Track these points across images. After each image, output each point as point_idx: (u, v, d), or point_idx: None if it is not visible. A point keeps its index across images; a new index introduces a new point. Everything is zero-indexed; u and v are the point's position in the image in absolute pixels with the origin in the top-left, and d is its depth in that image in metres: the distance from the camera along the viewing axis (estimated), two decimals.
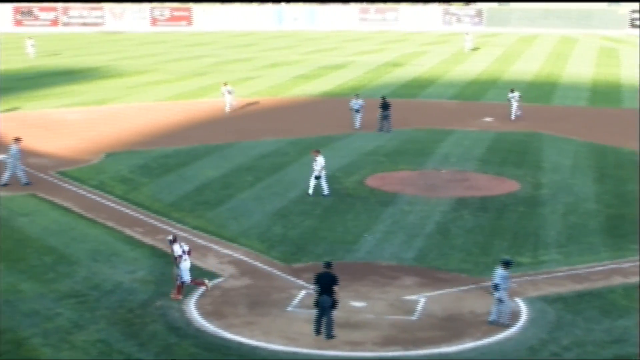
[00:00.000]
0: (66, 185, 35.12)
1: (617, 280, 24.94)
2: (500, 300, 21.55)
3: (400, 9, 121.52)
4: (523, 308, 22.63)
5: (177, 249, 23.26)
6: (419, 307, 22.85)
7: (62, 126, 48.11)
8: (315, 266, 24.71)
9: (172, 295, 23.19)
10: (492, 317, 21.74)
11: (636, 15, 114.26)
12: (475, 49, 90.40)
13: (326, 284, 20.79)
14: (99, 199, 33.29)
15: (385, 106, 47.32)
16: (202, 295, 23.52)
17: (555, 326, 21.67)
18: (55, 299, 22.95)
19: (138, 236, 28.62)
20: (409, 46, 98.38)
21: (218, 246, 27.74)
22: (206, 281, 23.82)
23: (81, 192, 34.26)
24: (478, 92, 62.01)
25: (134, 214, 31.31)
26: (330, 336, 20.77)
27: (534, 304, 22.89)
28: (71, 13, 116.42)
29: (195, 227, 29.61)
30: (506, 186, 35.70)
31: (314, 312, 21.12)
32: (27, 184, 34.84)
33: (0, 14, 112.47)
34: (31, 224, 29.73)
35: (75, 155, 40.80)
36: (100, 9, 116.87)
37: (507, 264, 21.87)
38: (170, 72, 72.64)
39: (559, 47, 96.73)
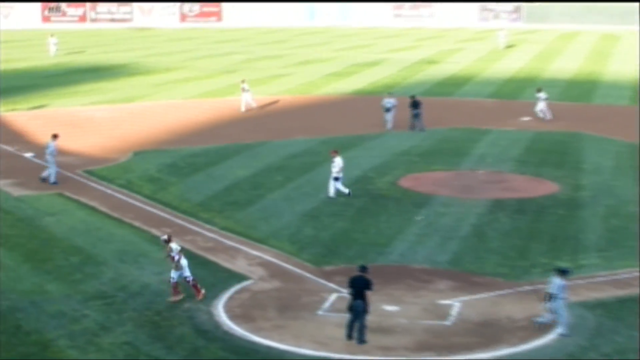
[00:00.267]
0: (93, 185, 35.41)
1: None
2: (554, 311, 21.25)
3: (436, 4, 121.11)
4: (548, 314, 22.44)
5: (174, 247, 23.25)
6: (454, 311, 22.77)
7: (90, 124, 48.50)
8: (347, 269, 24.72)
9: (172, 299, 23.07)
10: (541, 319, 21.48)
11: None
12: (510, 46, 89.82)
13: (360, 288, 20.78)
14: (126, 198, 33.53)
15: (415, 105, 47.22)
16: (231, 297, 23.60)
17: (596, 333, 21.49)
18: (81, 300, 23.15)
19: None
20: (444, 43, 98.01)
21: (247, 247, 27.81)
22: (202, 291, 23.45)
23: (108, 191, 34.52)
24: (516, 91, 61.64)
25: (162, 214, 31.49)
26: (362, 341, 20.76)
27: (573, 310, 22.69)
28: (99, 9, 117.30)
29: (224, 228, 29.72)
30: (545, 188, 35.46)
31: (345, 316, 21.12)
32: (55, 183, 35.18)
33: (28, 10, 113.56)
34: (57, 224, 30.01)
35: (103, 153, 41.12)
36: (129, 4, 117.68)
37: (564, 273, 21.57)
38: (199, 69, 72.97)
39: (600, 44, 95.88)
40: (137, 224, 30.13)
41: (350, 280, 21.09)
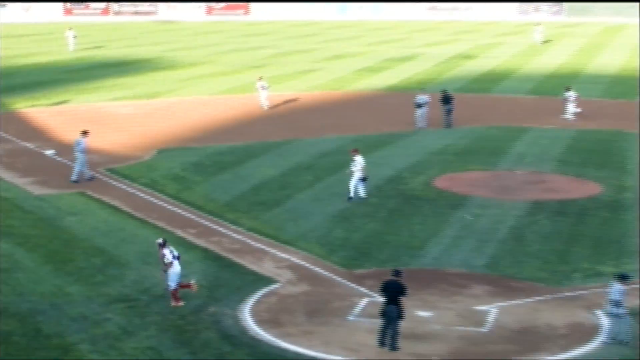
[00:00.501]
0: (116, 183, 35.63)
1: None
2: (618, 316, 21.11)
3: None
4: (604, 321, 22.28)
5: (167, 253, 23.18)
6: (490, 318, 22.67)
7: (113, 120, 48.82)
8: (379, 272, 24.70)
9: (173, 304, 23.14)
10: (606, 337, 21.33)
11: None
12: (546, 41, 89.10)
13: (393, 293, 20.75)
14: (149, 197, 33.70)
15: (446, 100, 47.12)
16: (258, 301, 23.65)
17: None
18: (103, 303, 23.29)
19: (190, 238, 28.90)
20: (481, 37, 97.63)
21: (275, 250, 27.86)
22: (192, 282, 23.72)
23: (131, 190, 34.72)
24: (557, 87, 61.12)
25: (187, 214, 31.62)
26: (394, 348, 20.72)
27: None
28: (123, 1, 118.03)
29: (251, 229, 29.78)
30: (587, 189, 35.21)
31: (377, 322, 21.09)
32: (75, 181, 35.44)
33: (50, 2, 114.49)
34: (79, 224, 30.23)
35: (126, 151, 41.36)
36: None
37: (624, 278, 21.45)
38: (226, 64, 73.21)
39: None
40: (161, 224, 30.28)
41: (383, 285, 21.06)
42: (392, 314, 20.70)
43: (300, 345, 21.11)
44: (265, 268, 26.25)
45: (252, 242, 28.52)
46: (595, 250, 27.90)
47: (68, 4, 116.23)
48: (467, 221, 30.71)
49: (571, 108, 49.69)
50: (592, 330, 21.76)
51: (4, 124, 47.45)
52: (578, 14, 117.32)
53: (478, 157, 40.71)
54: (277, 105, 53.86)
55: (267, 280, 25.20)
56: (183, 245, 28.13)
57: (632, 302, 23.18)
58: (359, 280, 25.17)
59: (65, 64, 72.56)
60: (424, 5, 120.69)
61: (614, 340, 21.16)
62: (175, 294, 23.24)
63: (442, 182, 36.10)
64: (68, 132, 45.51)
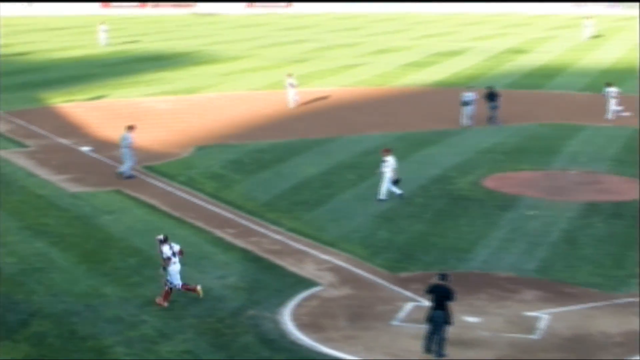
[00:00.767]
0: (153, 181, 35.88)
1: None
2: None
3: None
4: None
5: (166, 250, 23.30)
6: (542, 324, 22.50)
7: (150, 116, 49.16)
8: (424, 276, 24.61)
9: (157, 301, 23.29)
10: None
11: None
12: (596, 36, 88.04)
13: (440, 297, 20.67)
14: (187, 196, 33.89)
15: (491, 97, 46.91)
16: (299, 305, 23.68)
17: None
18: (139, 304, 23.45)
19: (229, 238, 29.01)
20: (534, 30, 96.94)
21: (316, 251, 27.87)
22: (198, 287, 23.79)
23: (169, 188, 34.93)
24: (614, 83, 60.58)
25: (225, 213, 31.75)
26: (441, 355, 20.64)
27: None
28: None
29: (291, 230, 29.83)
30: None
31: (423, 328, 21.02)
32: (130, 177, 35.78)
33: None
34: (115, 223, 30.48)
35: (164, 148, 41.62)
36: None
37: None
38: (266, 58, 73.41)
39: None
40: (199, 224, 30.43)
41: (429, 289, 20.98)
42: (438, 319, 20.62)
43: (342, 350, 21.10)
44: (306, 270, 26.27)
45: (293, 243, 28.56)
46: None
47: None
48: (517, 222, 30.50)
49: (613, 105, 49.04)
50: None
51: (40, 120, 48.00)
52: (636, 6, 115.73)
53: (529, 156, 40.43)
54: (319, 101, 53.89)
55: (308, 283, 25.22)
56: (221, 245, 28.28)
57: None
58: (404, 283, 25.10)
59: (102, 58, 73.19)
60: None
61: None
62: (168, 294, 23.27)
63: (491, 182, 35.91)
64: (105, 128, 45.99)
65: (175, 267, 23.38)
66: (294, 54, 75.79)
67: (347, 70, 66.65)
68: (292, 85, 51.94)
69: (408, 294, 24.33)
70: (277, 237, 29.24)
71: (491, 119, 46.84)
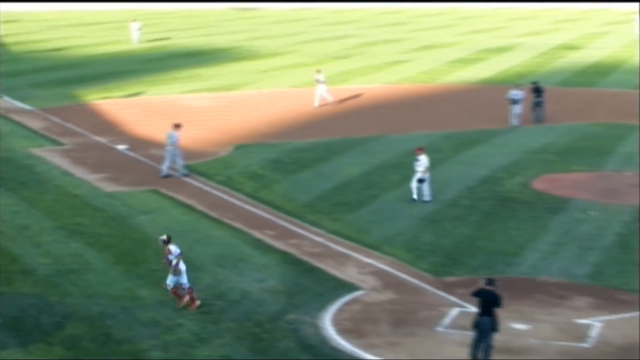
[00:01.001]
0: (190, 181, 36.07)
1: None
2: None
3: None
4: None
5: (174, 249, 23.34)
6: (593, 332, 22.34)
7: (188, 114, 49.40)
8: (470, 281, 24.52)
9: (192, 308, 23.27)
10: None
11: None
12: None
13: (487, 303, 20.59)
14: (225, 196, 34.03)
15: (537, 92, 46.71)
16: (340, 309, 23.69)
17: None
18: (176, 308, 23.58)
19: (268, 240, 29.09)
20: (587, 26, 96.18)
21: (358, 254, 27.87)
22: (198, 302, 23.59)
23: (206, 188, 35.10)
24: None
25: (264, 214, 31.84)
26: None
27: None
28: None
29: (332, 232, 29.85)
30: None
31: (469, 334, 20.95)
32: (167, 176, 36.06)
33: None
34: (152, 223, 30.67)
35: (201, 147, 41.82)
36: None
37: None
38: (308, 54, 73.52)
39: None
40: (237, 225, 30.55)
41: (475, 295, 20.90)
42: (485, 325, 20.54)
43: (385, 357, 21.07)
44: (347, 274, 26.27)
45: (334, 246, 28.57)
46: None
47: None
48: (568, 226, 30.29)
49: None
50: None
51: (75, 117, 48.47)
52: None
53: (581, 156, 40.12)
54: (362, 99, 53.87)
55: (350, 287, 25.22)
56: (260, 247, 28.36)
57: None
58: (449, 288, 25.03)
59: (139, 54, 73.72)
60: None
61: None
62: (191, 295, 23.32)
63: (541, 183, 35.69)
64: (141, 126, 46.35)
65: (182, 267, 23.45)
66: (336, 50, 75.83)
67: (391, 67, 66.55)
68: (320, 82, 51.72)
69: (453, 299, 24.25)
70: (318, 239, 29.27)
71: (536, 116, 46.62)
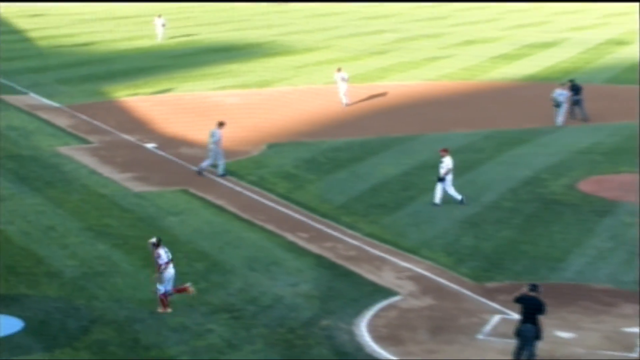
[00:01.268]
0: (221, 181, 36.19)
1: None
2: None
3: None
4: None
5: (163, 253, 23.52)
6: None
7: (219, 111, 49.53)
8: (512, 286, 24.41)
9: (160, 310, 23.50)
10: None
11: None
12: None
13: (530, 310, 20.51)
14: (257, 197, 34.11)
15: (575, 90, 46.51)
16: (376, 315, 23.68)
17: None
18: (206, 313, 23.68)
19: (302, 243, 29.12)
20: (636, 20, 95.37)
21: (396, 258, 27.84)
22: (188, 285, 23.95)
23: (238, 188, 35.21)
24: None
25: (298, 216, 31.88)
26: None
27: None
28: None
29: (368, 235, 29.83)
30: None
31: (511, 342, 20.87)
32: (224, 175, 36.29)
33: None
34: (181, 225, 30.81)
35: (233, 145, 41.89)
36: None
37: None
38: (344, 49, 73.53)
39: None
40: (269, 227, 30.61)
41: (518, 301, 20.82)
42: (528, 333, 20.47)
43: None
44: (384, 278, 26.26)
45: (370, 249, 28.55)
46: None
47: None
48: (616, 230, 30.09)
49: None
50: None
51: (103, 114, 48.77)
52: None
53: (630, 157, 39.82)
54: (399, 96, 53.81)
55: (387, 292, 25.20)
56: (293, 250, 28.39)
57: None
58: (490, 294, 24.94)
59: (169, 49, 74.03)
60: None
61: None
62: (165, 300, 23.54)
63: (588, 185, 35.47)
64: (171, 124, 46.58)
65: (170, 272, 23.62)
66: (373, 45, 75.78)
67: (430, 63, 66.42)
68: (342, 80, 51.46)
69: (495, 305, 24.16)
70: (354, 242, 29.27)
71: (574, 114, 46.45)
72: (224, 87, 57.24)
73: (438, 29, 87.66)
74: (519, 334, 20.63)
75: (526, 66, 65.17)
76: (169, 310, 23.60)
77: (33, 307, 23.85)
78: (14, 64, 64.87)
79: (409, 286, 25.73)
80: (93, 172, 37.36)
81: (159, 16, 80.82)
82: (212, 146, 36.77)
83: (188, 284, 24.09)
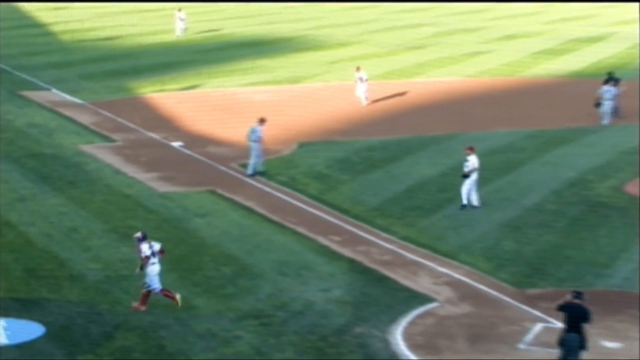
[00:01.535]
0: (250, 181, 36.26)
1: None
2: None
3: None
4: None
5: (145, 248, 23.72)
6: None
7: (248, 108, 49.64)
8: (556, 293, 24.31)
9: (134, 306, 23.73)
10: None
11: None
12: None
13: (575, 318, 20.41)
14: (288, 198, 34.15)
15: (613, 84, 46.43)
16: (412, 323, 23.64)
17: None
18: (234, 319, 23.73)
19: (334, 246, 29.13)
20: None
21: (432, 263, 27.79)
22: (177, 296, 24.04)
23: (267, 189, 35.26)
24: None
25: (330, 218, 31.88)
26: None
27: None
28: None
29: (404, 238, 29.80)
30: None
31: (554, 352, 20.79)
32: (253, 175, 36.53)
33: None
34: (208, 227, 30.89)
35: (263, 144, 41.97)
36: None
37: None
38: (379, 44, 73.47)
39: None
40: (300, 229, 30.63)
41: (562, 309, 20.74)
42: (572, 343, 20.38)
43: None
44: (420, 284, 26.22)
45: (406, 253, 28.52)
46: None
47: None
48: None
49: None
50: None
51: (128, 111, 48.98)
52: None
53: None
54: (437, 93, 53.71)
55: (423, 299, 25.16)
56: (325, 254, 28.40)
57: None
58: (532, 301, 24.86)
59: (196, 44, 74.17)
60: None
61: None
62: (145, 297, 23.73)
63: (636, 187, 35.26)
64: (198, 121, 46.73)
65: (154, 269, 23.89)
66: (409, 40, 75.66)
67: (470, 59, 66.23)
68: (361, 80, 51.22)
69: (537, 313, 24.08)
70: (388, 246, 29.24)
71: (617, 112, 46.34)
72: (253, 84, 57.33)
73: (478, 23, 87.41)
74: (562, 343, 20.55)
75: (570, 62, 64.85)
76: (143, 309, 23.81)
77: (55, 311, 24.00)
78: (35, 59, 65.28)
79: (447, 292, 25.68)
80: (117, 171, 37.54)
81: (179, 10, 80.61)
82: (251, 144, 36.79)
83: (177, 295, 24.11)
